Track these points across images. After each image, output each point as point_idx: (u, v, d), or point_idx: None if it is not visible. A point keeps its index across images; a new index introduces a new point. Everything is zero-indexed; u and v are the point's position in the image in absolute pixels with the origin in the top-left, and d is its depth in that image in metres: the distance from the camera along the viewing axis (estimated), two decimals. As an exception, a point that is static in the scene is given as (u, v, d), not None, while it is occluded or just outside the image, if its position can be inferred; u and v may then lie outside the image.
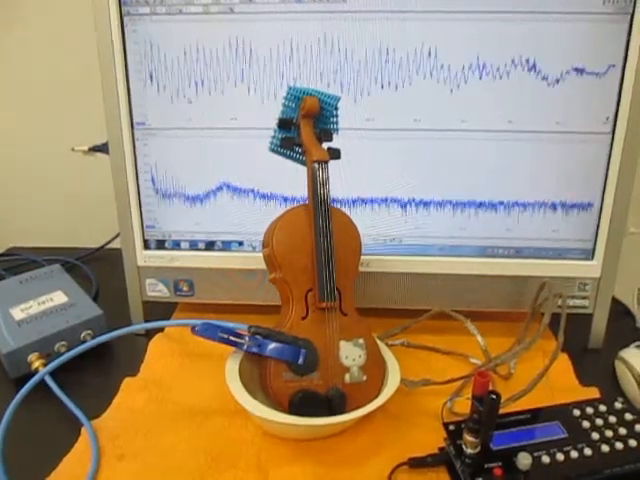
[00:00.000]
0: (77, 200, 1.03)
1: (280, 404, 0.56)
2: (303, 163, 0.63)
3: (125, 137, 0.67)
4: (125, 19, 0.64)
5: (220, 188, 0.70)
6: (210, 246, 0.73)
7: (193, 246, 0.73)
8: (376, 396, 0.58)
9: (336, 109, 0.62)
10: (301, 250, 0.59)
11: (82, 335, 0.70)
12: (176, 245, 0.73)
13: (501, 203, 0.68)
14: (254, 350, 0.56)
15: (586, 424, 0.55)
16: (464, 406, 0.58)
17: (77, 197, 1.03)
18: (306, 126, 0.61)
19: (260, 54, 0.64)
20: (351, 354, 0.59)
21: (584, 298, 0.71)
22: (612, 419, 0.55)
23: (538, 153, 0.66)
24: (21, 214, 1.06)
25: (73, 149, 0.98)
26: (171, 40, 0.64)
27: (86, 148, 0.97)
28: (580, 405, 0.57)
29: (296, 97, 0.61)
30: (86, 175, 1.01)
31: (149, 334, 0.74)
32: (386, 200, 0.69)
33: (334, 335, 0.59)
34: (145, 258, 0.73)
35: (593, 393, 0.63)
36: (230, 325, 0.60)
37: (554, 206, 0.68)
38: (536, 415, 0.56)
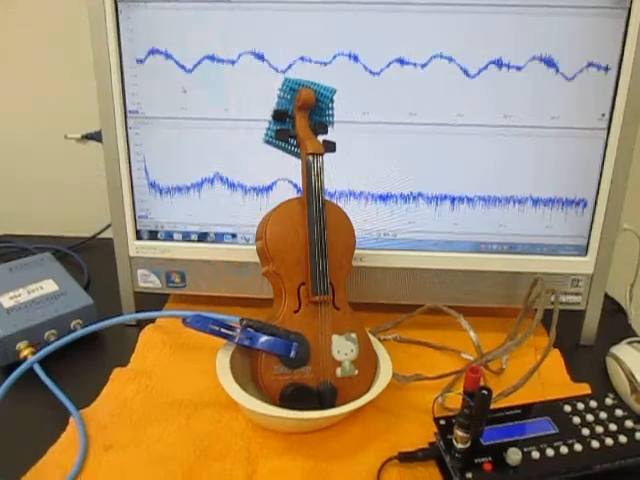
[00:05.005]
0: (70, 188, 1.03)
1: (271, 397, 0.55)
2: (298, 155, 0.62)
3: (118, 125, 0.66)
4: (119, 5, 0.63)
5: (213, 179, 0.69)
6: (203, 238, 0.72)
7: (186, 237, 0.72)
8: (367, 390, 0.57)
9: (332, 101, 0.61)
10: (294, 243, 0.59)
11: (72, 324, 0.69)
12: (169, 236, 0.72)
13: (495, 199, 0.68)
14: (245, 343, 0.56)
15: (577, 420, 0.55)
16: (455, 401, 0.58)
17: (70, 185, 1.02)
18: (301, 118, 0.61)
19: (255, 44, 0.63)
20: (343, 348, 0.59)
21: (577, 294, 0.71)
22: (603, 415, 0.55)
23: (533, 149, 0.66)
24: (12, 201, 1.05)
25: (66, 136, 0.97)
26: (165, 28, 0.63)
27: (79, 136, 0.96)
28: (571, 401, 0.57)
29: (291, 89, 0.61)
30: (79, 163, 1.00)
31: (140, 325, 0.73)
32: (380, 195, 0.69)
33: (326, 329, 0.59)
34: (137, 248, 0.72)
35: (584, 389, 0.63)
36: (222, 317, 0.59)
37: (548, 202, 0.68)
38: (527, 411, 0.56)
